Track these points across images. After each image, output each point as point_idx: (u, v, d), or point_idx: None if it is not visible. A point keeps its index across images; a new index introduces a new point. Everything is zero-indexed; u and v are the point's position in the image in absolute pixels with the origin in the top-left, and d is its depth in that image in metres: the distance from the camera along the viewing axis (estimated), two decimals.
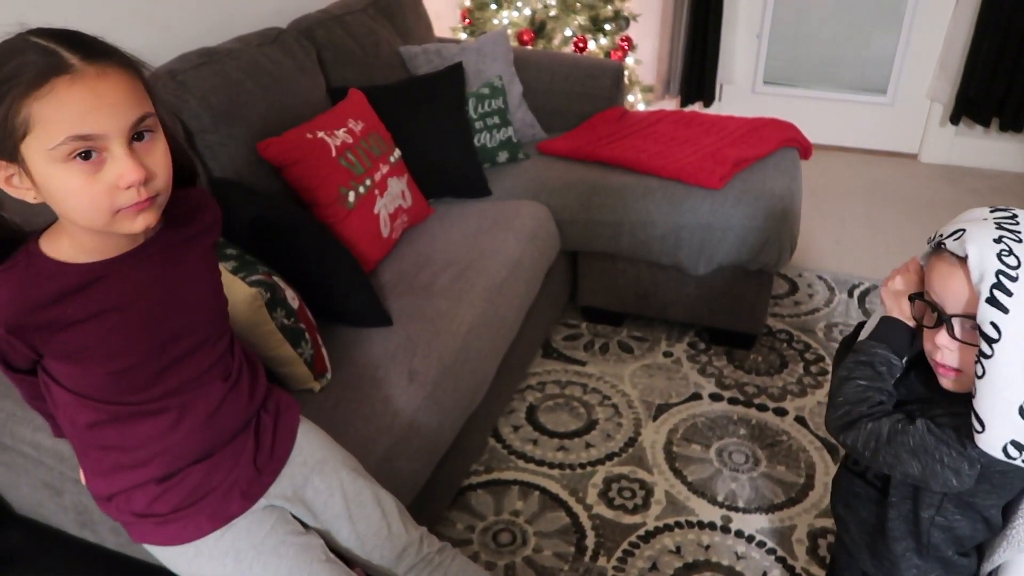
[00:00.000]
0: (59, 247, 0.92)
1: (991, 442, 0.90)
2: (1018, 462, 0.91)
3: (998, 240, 0.90)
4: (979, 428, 0.91)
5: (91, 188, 0.84)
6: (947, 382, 0.98)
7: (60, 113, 0.81)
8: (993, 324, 0.87)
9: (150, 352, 0.98)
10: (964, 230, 0.93)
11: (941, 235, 0.97)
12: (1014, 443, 0.90)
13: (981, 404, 0.90)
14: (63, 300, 0.91)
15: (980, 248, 0.89)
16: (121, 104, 0.84)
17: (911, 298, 1.03)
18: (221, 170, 1.77)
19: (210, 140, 1.76)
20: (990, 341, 0.87)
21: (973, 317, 0.90)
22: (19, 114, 0.81)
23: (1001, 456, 0.91)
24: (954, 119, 3.40)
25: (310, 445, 1.17)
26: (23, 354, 0.94)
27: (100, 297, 0.94)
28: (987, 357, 0.88)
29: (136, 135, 0.86)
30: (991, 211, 0.96)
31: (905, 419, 1.00)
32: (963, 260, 0.91)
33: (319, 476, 1.15)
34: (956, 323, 0.94)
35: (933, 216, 3.10)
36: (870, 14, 3.47)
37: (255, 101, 1.86)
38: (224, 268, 1.34)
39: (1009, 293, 0.87)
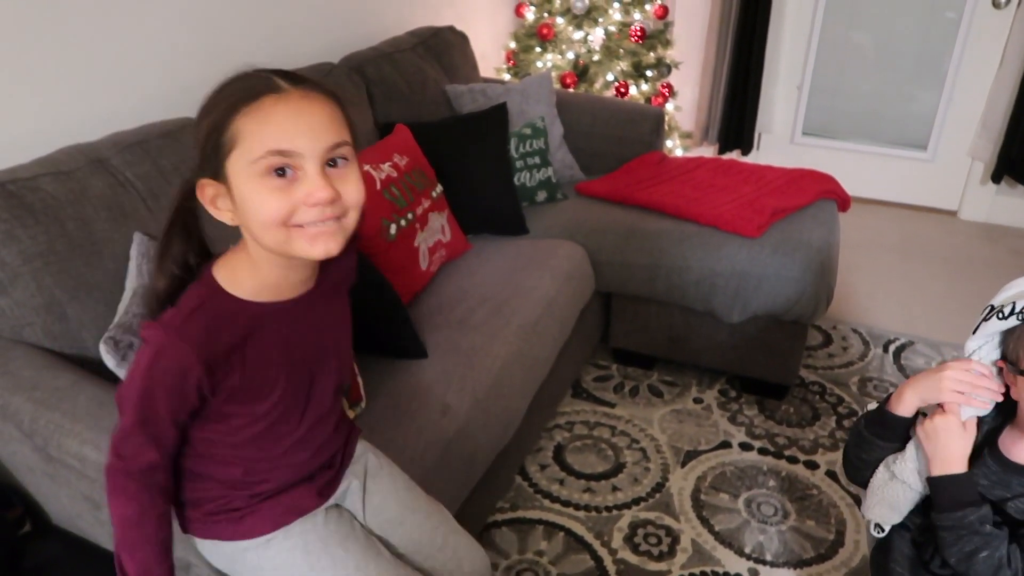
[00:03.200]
0: (237, 281, 0.95)
1: None
2: None
3: None
4: None
5: (279, 202, 0.87)
6: None
7: (264, 127, 0.85)
8: None
9: (297, 397, 1.02)
10: None
11: (1016, 303, 0.96)
12: None
13: None
14: (244, 338, 0.95)
15: None
16: (320, 127, 0.88)
17: (1019, 372, 0.98)
18: None
19: None
20: None
21: None
22: (228, 130, 0.86)
23: None
24: (995, 178, 3.38)
25: (367, 450, 1.23)
26: (191, 404, 0.94)
27: (272, 338, 0.97)
28: None
29: (331, 161, 0.89)
30: None
31: None
32: None
33: (374, 481, 1.20)
34: None
35: (972, 274, 3.06)
36: (912, 70, 3.48)
37: None
38: None
39: None
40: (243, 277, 0.96)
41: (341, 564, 1.09)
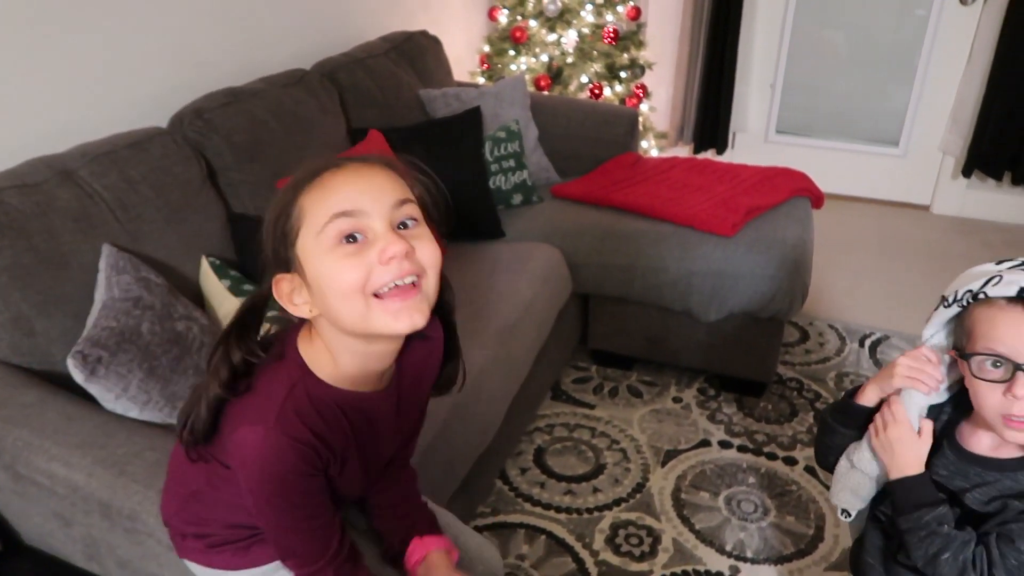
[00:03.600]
0: (320, 364, 0.92)
1: None
2: None
3: None
4: None
5: (354, 267, 0.84)
6: (1022, 435, 0.97)
7: (326, 196, 0.85)
8: None
9: (350, 483, 1.01)
10: (1000, 276, 0.95)
11: (971, 291, 0.97)
12: None
13: None
14: (331, 424, 0.92)
15: None
16: (382, 187, 0.87)
17: (963, 356, 1.00)
18: (241, 206, 1.80)
19: (232, 177, 1.80)
20: None
21: None
22: (293, 212, 0.86)
23: None
24: (966, 172, 3.42)
25: None
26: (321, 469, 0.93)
27: (354, 429, 0.95)
28: None
29: (401, 224, 0.87)
30: (998, 263, 0.99)
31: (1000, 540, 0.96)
32: (1017, 301, 0.93)
33: None
34: None
35: (945, 268, 3.10)
36: (884, 67, 3.52)
37: (277, 140, 1.90)
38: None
39: None
40: (325, 361, 0.92)
41: None
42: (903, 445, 1.04)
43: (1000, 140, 3.25)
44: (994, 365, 0.95)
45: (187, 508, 1.06)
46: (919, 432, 1.05)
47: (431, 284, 0.89)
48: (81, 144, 1.58)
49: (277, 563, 1.05)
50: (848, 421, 1.14)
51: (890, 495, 1.06)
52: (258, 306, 0.94)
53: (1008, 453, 1.01)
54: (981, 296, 0.96)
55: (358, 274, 0.84)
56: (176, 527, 1.09)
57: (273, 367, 0.92)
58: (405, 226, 0.87)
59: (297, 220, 0.85)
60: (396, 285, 0.85)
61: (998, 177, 3.37)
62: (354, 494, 1.06)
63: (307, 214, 0.85)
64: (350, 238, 0.84)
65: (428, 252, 0.88)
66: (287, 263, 0.88)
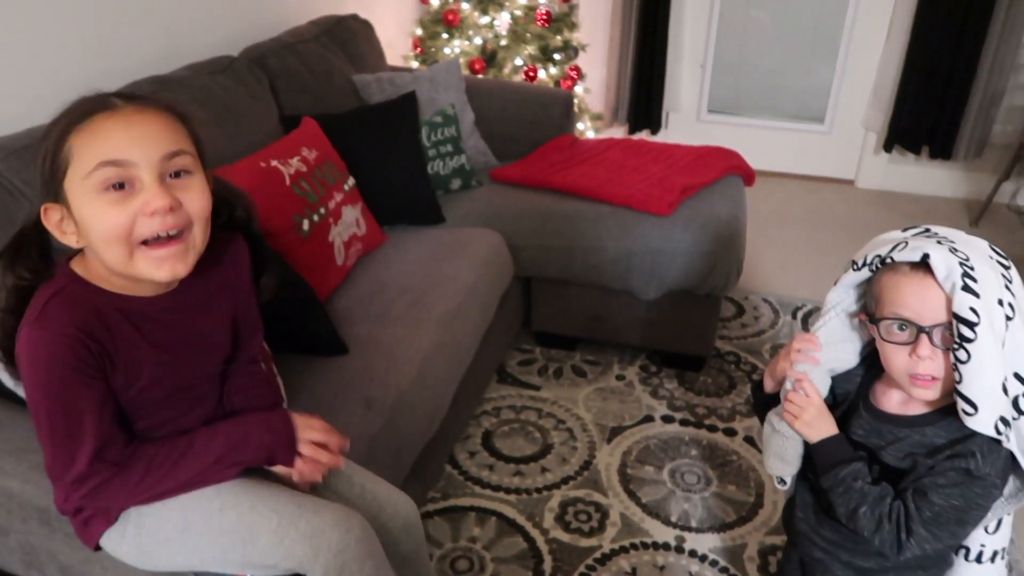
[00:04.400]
0: (95, 274, 0.94)
1: (984, 421, 0.96)
2: (1003, 439, 0.97)
3: (939, 242, 0.98)
4: (971, 411, 0.97)
5: (117, 215, 0.85)
6: (927, 392, 1.02)
7: (95, 141, 0.84)
8: (972, 309, 0.94)
9: (165, 384, 1.01)
10: (906, 243, 1.00)
11: (880, 256, 1.03)
12: (1002, 419, 0.97)
13: (970, 388, 0.96)
14: (109, 324, 0.93)
15: (934, 250, 0.96)
16: (154, 136, 0.87)
17: (873, 320, 1.05)
18: None
19: None
20: (971, 325, 0.94)
21: (944, 323, 0.97)
22: (62, 150, 0.85)
23: (992, 434, 0.97)
24: (887, 147, 3.56)
25: None
26: (95, 364, 0.93)
27: (143, 332, 0.96)
28: (970, 342, 0.94)
29: (173, 173, 0.88)
30: (904, 230, 1.06)
31: (916, 496, 1.02)
32: (920, 267, 0.98)
33: None
34: (937, 332, 0.98)
35: (869, 239, 3.21)
36: (808, 46, 3.62)
37: (207, 130, 1.84)
38: None
39: (975, 279, 0.94)
40: (101, 272, 0.94)
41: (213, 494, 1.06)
42: (819, 417, 1.10)
43: (918, 115, 3.39)
44: (900, 328, 1.01)
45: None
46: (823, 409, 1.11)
47: (199, 236, 0.93)
48: None
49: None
50: (767, 407, 1.21)
51: (813, 459, 1.12)
52: (33, 230, 0.94)
53: (916, 410, 1.07)
54: (888, 260, 1.02)
55: (121, 221, 0.86)
56: (70, 510, 1.06)
57: (45, 283, 0.94)
58: (178, 176, 0.89)
59: (65, 159, 0.86)
60: (159, 236, 0.88)
61: (916, 151, 3.52)
62: (181, 409, 1.06)
63: (75, 155, 0.86)
64: (118, 186, 0.86)
65: (197, 203, 0.91)
66: (56, 195, 0.88)
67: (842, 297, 1.15)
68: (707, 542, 1.81)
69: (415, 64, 3.28)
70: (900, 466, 1.06)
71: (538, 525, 1.85)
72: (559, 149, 2.57)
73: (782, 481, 1.21)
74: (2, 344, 0.95)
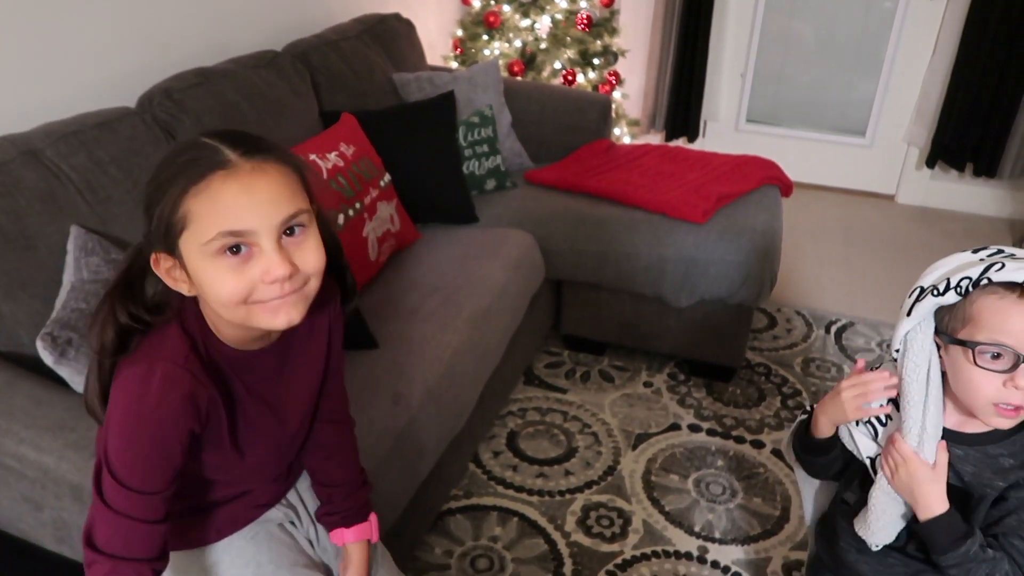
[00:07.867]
0: (210, 318, 0.93)
1: None
2: None
3: None
4: None
5: (236, 282, 0.84)
6: (1009, 422, 0.97)
7: (214, 209, 0.82)
8: None
9: (278, 452, 1.03)
10: (1003, 264, 0.92)
11: (970, 278, 0.95)
12: None
13: None
14: (226, 381, 0.94)
15: None
16: (273, 200, 0.84)
17: (955, 343, 0.98)
18: None
19: None
20: None
21: None
22: (178, 211, 0.82)
23: None
24: (930, 163, 3.49)
25: None
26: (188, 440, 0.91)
27: (248, 383, 0.97)
28: None
29: (287, 230, 0.86)
30: (974, 251, 0.99)
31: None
32: (1017, 288, 0.91)
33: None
34: None
35: (908, 256, 3.17)
36: (851, 59, 3.57)
37: (248, 122, 1.88)
38: None
39: None
40: (214, 319, 0.93)
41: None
42: (920, 484, 1.01)
43: (963, 132, 3.33)
44: (994, 356, 0.94)
45: None
46: (934, 465, 1.01)
47: (313, 286, 0.90)
48: (47, 123, 1.55)
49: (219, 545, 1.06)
50: (820, 453, 1.14)
51: (924, 539, 1.03)
52: (140, 265, 0.92)
53: (974, 428, 1.02)
54: (984, 282, 0.94)
55: (240, 289, 0.84)
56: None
57: (173, 325, 0.92)
58: (292, 232, 0.86)
59: (182, 220, 0.83)
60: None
61: (960, 168, 3.45)
62: (239, 466, 1.03)
63: (193, 220, 0.82)
64: (234, 249, 0.83)
65: (312, 261, 0.88)
66: (169, 249, 0.86)
67: (915, 324, 1.03)
68: (730, 554, 1.79)
69: (454, 64, 3.30)
70: (956, 484, 1.02)
71: (560, 528, 1.84)
72: (595, 153, 2.57)
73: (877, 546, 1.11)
74: (94, 391, 0.92)
